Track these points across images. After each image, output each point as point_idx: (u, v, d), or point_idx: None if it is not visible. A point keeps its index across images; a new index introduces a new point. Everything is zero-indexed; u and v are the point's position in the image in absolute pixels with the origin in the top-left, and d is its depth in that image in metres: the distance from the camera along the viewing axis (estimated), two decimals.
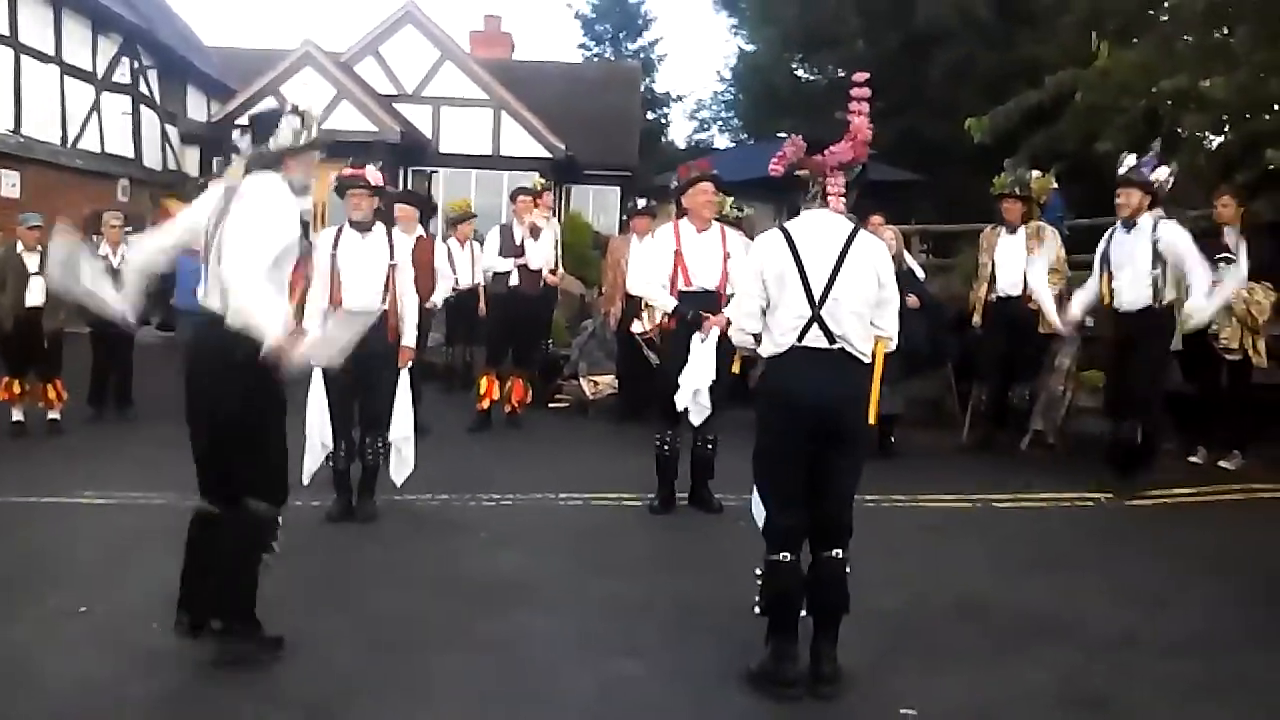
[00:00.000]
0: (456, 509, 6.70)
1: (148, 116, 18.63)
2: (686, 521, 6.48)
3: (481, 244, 9.98)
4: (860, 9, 23.37)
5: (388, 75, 19.90)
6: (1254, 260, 7.85)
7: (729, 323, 6.25)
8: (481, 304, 10.18)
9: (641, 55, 36.07)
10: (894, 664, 4.32)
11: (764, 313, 4.11)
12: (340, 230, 6.39)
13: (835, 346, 4.00)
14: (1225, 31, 10.75)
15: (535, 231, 9.32)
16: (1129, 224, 6.98)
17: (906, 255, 8.89)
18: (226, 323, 3.93)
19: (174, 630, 4.23)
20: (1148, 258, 6.88)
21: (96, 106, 16.97)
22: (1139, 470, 7.15)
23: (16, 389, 8.79)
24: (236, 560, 4.18)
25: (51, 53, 15.80)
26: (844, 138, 4.09)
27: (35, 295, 8.73)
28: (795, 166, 4.13)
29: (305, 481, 6.31)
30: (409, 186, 18.35)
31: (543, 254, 9.45)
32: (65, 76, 16.16)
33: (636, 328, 7.43)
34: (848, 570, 4.06)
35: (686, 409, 6.35)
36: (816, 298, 3.97)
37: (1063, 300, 8.44)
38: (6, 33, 14.69)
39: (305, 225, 4.35)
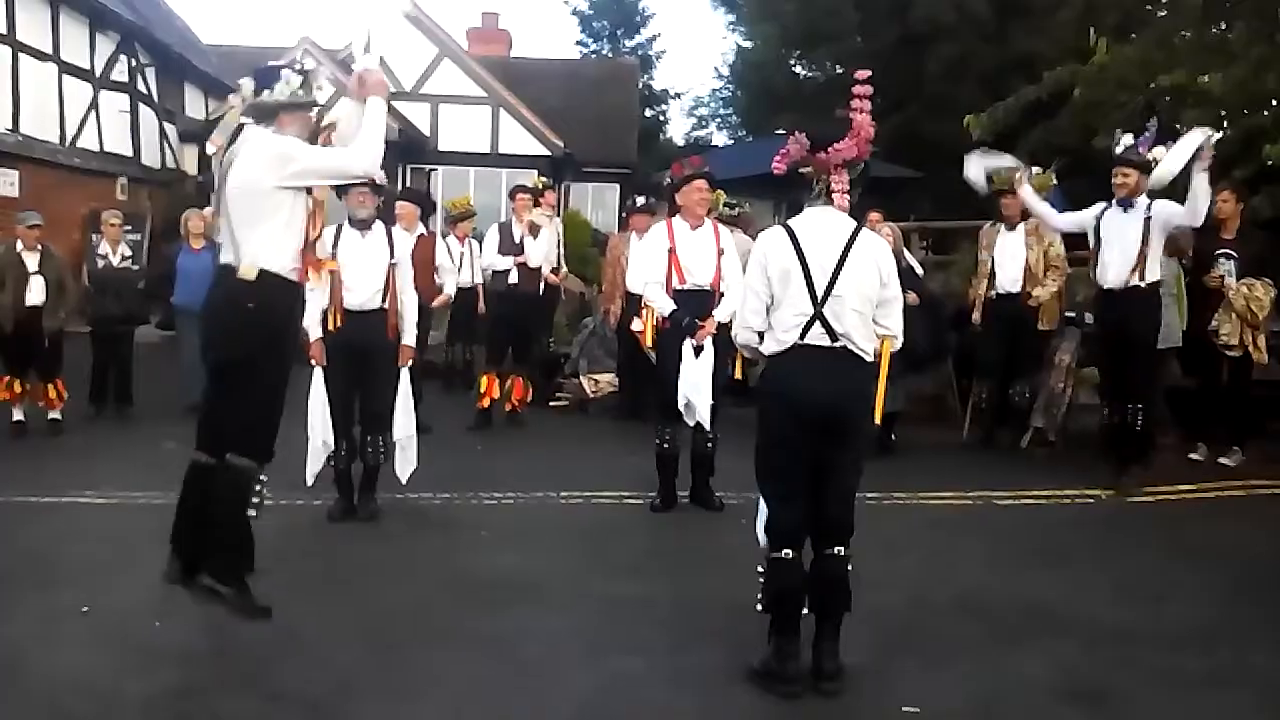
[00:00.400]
0: (457, 507, 6.70)
1: (146, 115, 18.61)
2: (687, 519, 6.48)
3: (480, 242, 9.98)
4: (858, 5, 23.40)
5: (385, 73, 19.86)
6: (1252, 256, 7.90)
7: (719, 325, 6.32)
8: (481, 302, 10.18)
9: (639, 52, 36.04)
10: (896, 661, 4.33)
11: (768, 310, 4.11)
12: (340, 228, 6.38)
13: (837, 344, 4.00)
14: (1223, 27, 10.76)
15: (534, 229, 9.32)
16: (1125, 203, 6.93)
17: (905, 252, 8.89)
18: (239, 275, 4.06)
19: (164, 577, 4.32)
20: (1138, 235, 6.85)
21: (94, 105, 16.95)
22: (1136, 462, 7.14)
23: (17, 388, 8.77)
24: (219, 516, 4.22)
25: (49, 51, 15.78)
26: (846, 135, 4.08)
27: (35, 294, 8.71)
28: (799, 164, 4.12)
29: (310, 482, 6.32)
30: (408, 184, 18.34)
31: (542, 252, 9.45)
32: (63, 75, 16.14)
33: (637, 325, 7.43)
34: (849, 568, 4.07)
35: (685, 406, 6.37)
36: (819, 295, 3.97)
37: (1061, 296, 8.47)
38: (4, 31, 14.67)
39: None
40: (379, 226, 6.40)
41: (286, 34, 54.20)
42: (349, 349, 6.22)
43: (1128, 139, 6.99)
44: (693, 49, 68.06)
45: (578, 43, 37.94)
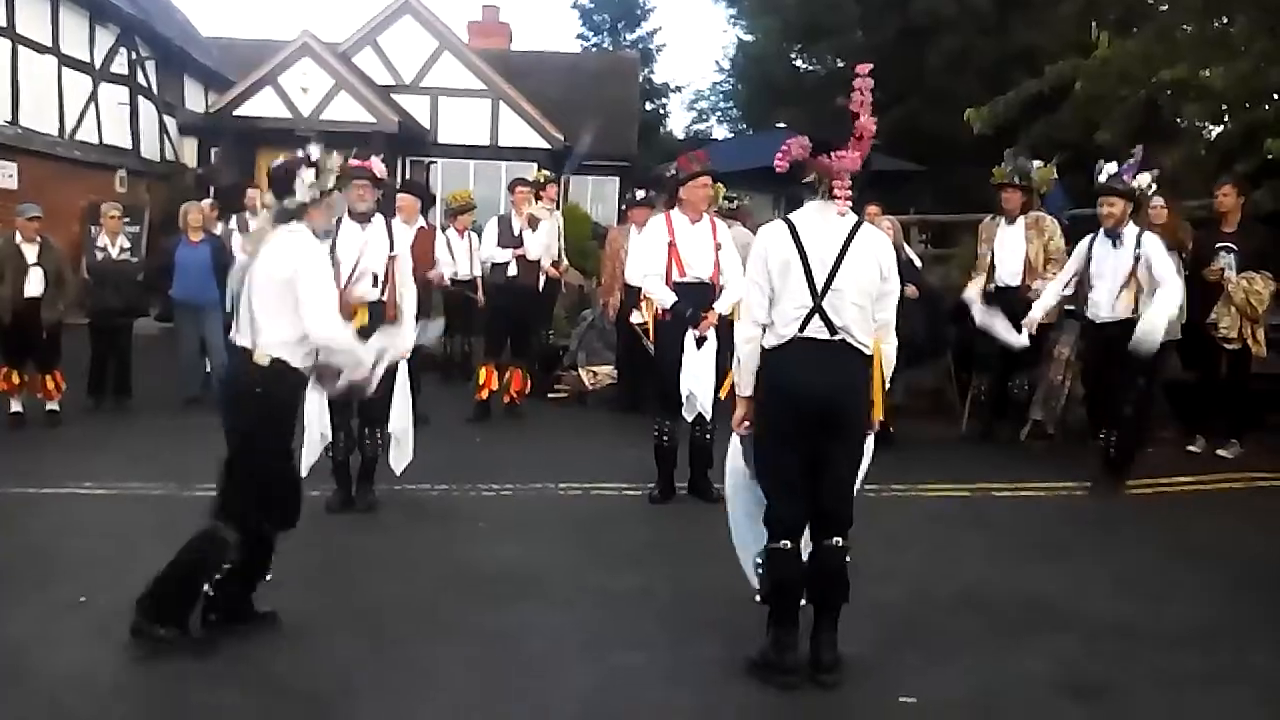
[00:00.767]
0: (456, 499, 6.70)
1: (145, 107, 18.57)
2: (686, 511, 6.48)
3: (480, 235, 9.97)
4: None
5: (386, 66, 19.86)
6: (1252, 250, 7.89)
7: (722, 318, 6.32)
8: (480, 295, 10.18)
9: (640, 45, 35.99)
10: (894, 653, 4.33)
11: (770, 304, 4.09)
12: (339, 221, 6.36)
13: (836, 337, 3.99)
14: (1225, 21, 10.75)
15: (533, 222, 9.32)
16: (1113, 234, 6.77)
17: (905, 245, 8.88)
18: (253, 359, 4.32)
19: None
20: (1129, 271, 6.71)
21: (94, 97, 16.91)
22: (1116, 474, 7.03)
23: (15, 380, 8.77)
24: (180, 566, 4.32)
25: (49, 44, 15.74)
26: (849, 136, 4.03)
27: (34, 286, 8.70)
28: (801, 166, 4.09)
29: (304, 473, 6.31)
30: (408, 177, 18.32)
31: (541, 244, 9.44)
32: (63, 67, 16.10)
33: (636, 318, 7.43)
34: (848, 559, 4.07)
35: (688, 397, 6.37)
36: (819, 288, 3.97)
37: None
38: (4, 24, 14.62)
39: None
40: (378, 219, 6.39)
41: (286, 27, 54.19)
42: None
43: (1111, 167, 6.80)
44: (693, 42, 68.02)
45: (578, 36, 37.90)
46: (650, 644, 4.43)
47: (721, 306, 6.39)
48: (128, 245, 9.83)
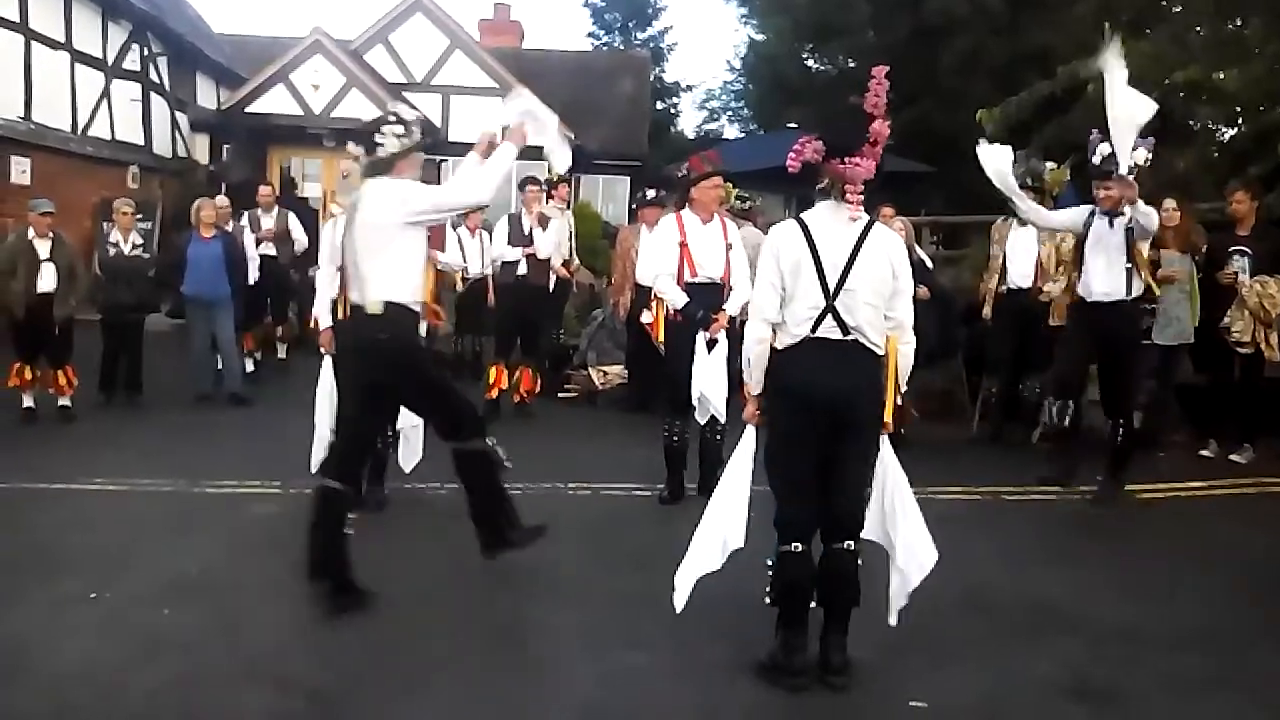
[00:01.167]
0: (464, 498, 6.68)
1: (157, 104, 18.60)
2: (696, 512, 6.38)
3: (490, 233, 9.97)
4: None
5: (397, 64, 19.87)
6: (1266, 253, 7.85)
7: (732, 319, 6.30)
8: (490, 294, 10.18)
9: (651, 44, 35.94)
10: (903, 656, 4.31)
11: (781, 303, 4.08)
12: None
13: (849, 338, 3.98)
14: (1239, 23, 10.71)
15: (543, 221, 9.32)
16: (1111, 214, 6.56)
17: (916, 246, 8.86)
18: (368, 311, 4.57)
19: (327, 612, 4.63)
20: (1123, 248, 6.54)
21: (106, 93, 16.94)
22: (1117, 472, 6.77)
23: (27, 375, 8.80)
24: (498, 487, 4.97)
25: (61, 40, 15.77)
26: (863, 141, 3.99)
27: (46, 281, 8.74)
28: (814, 169, 4.07)
29: (314, 470, 6.32)
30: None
31: (551, 243, 9.44)
32: (75, 64, 16.13)
33: (646, 318, 7.42)
34: (859, 562, 4.06)
35: (699, 399, 6.36)
36: (831, 288, 3.96)
37: (1072, 291, 8.42)
38: (16, 19, 14.66)
39: None
40: None
41: (298, 24, 54.31)
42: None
43: (1105, 148, 6.48)
44: (704, 42, 67.84)
45: (589, 35, 37.88)
46: (657, 644, 4.42)
47: (732, 307, 6.38)
48: (140, 241, 9.86)
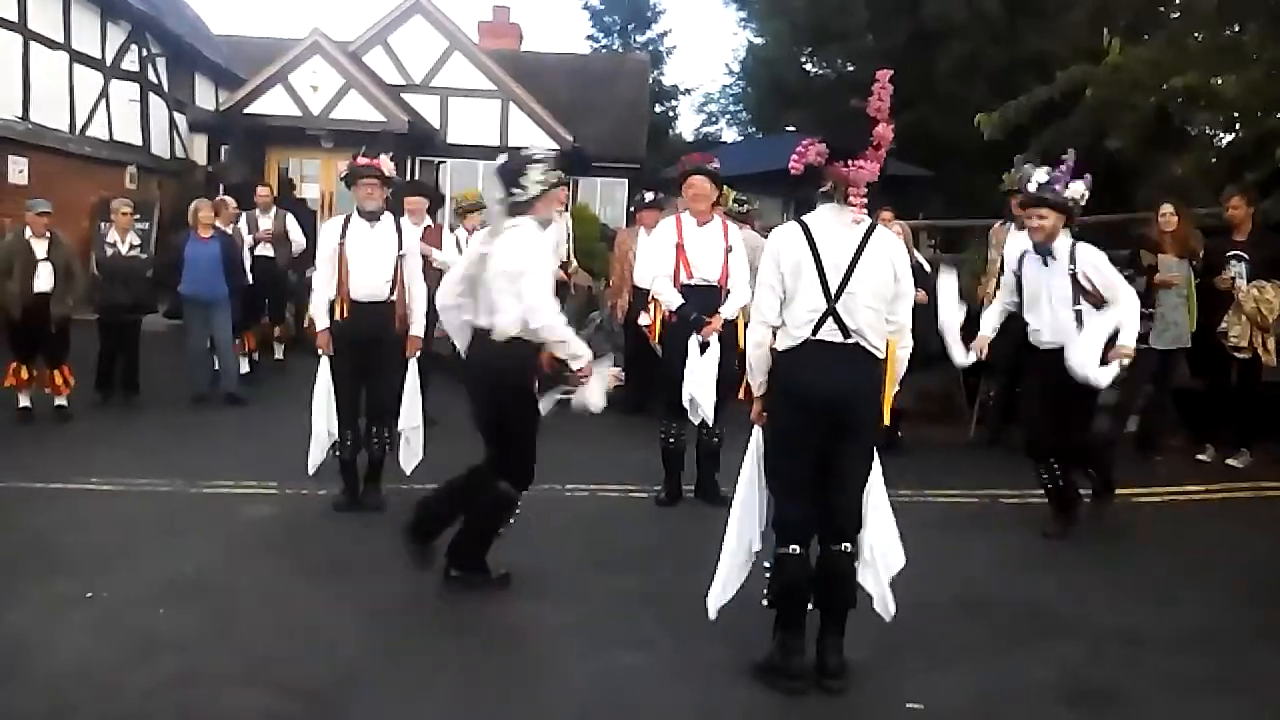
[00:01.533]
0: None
1: (156, 104, 18.60)
2: (693, 514, 6.46)
3: None
4: (868, 3, 23.31)
5: (396, 65, 19.87)
6: (1263, 259, 7.86)
7: (728, 322, 6.30)
8: None
9: (650, 47, 35.99)
10: (900, 658, 4.31)
11: (782, 306, 4.07)
12: (348, 219, 6.37)
13: (850, 341, 3.98)
14: (1237, 29, 10.72)
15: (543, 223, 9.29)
16: (1043, 251, 5.95)
17: (914, 250, 8.86)
18: (493, 337, 4.82)
19: (407, 548, 5.03)
20: (1067, 291, 5.88)
21: (105, 94, 16.94)
22: (1065, 513, 6.18)
23: (24, 374, 8.79)
24: (477, 525, 5.02)
25: (60, 40, 15.77)
26: (867, 145, 3.99)
27: (43, 281, 8.73)
28: (817, 172, 4.06)
29: (311, 472, 6.33)
30: (417, 177, 18.32)
31: (549, 246, 9.41)
32: (74, 64, 16.13)
33: (644, 320, 7.42)
34: (856, 564, 4.06)
35: (689, 402, 6.35)
36: (832, 291, 3.95)
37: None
38: (15, 19, 14.66)
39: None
40: (387, 218, 6.39)
41: (297, 25, 54.27)
42: (356, 340, 6.22)
43: (1041, 174, 5.93)
44: (703, 45, 67.93)
45: (588, 37, 37.95)
46: (654, 645, 4.42)
47: (727, 311, 6.37)
48: (137, 241, 9.84)
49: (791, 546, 4.00)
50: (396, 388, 6.35)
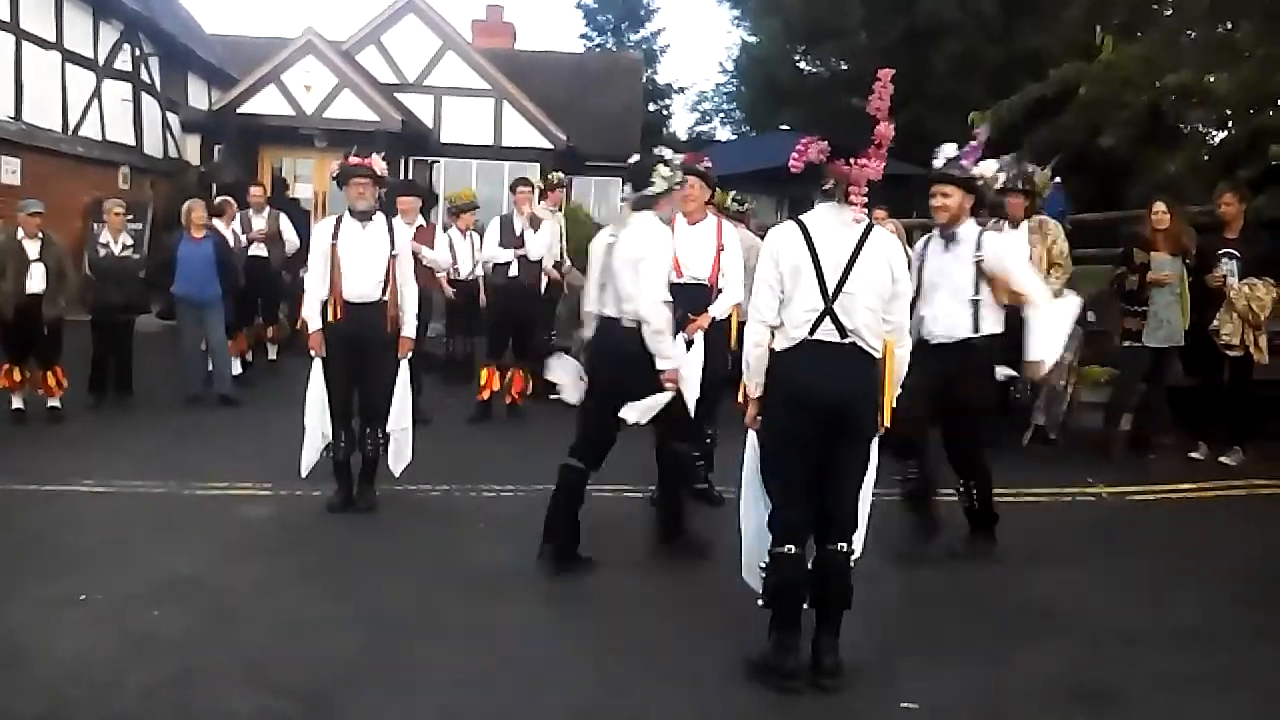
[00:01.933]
0: (457, 499, 6.69)
1: (149, 104, 18.56)
2: (688, 513, 6.45)
3: (481, 235, 9.95)
4: (863, 1, 23.33)
5: (389, 64, 19.85)
6: (1255, 256, 7.87)
7: (719, 322, 6.28)
8: (482, 295, 10.17)
9: (644, 46, 36.01)
10: (895, 657, 4.32)
11: (780, 305, 4.07)
12: (340, 219, 6.36)
13: (847, 341, 3.98)
14: (1230, 26, 10.74)
15: (535, 222, 9.30)
16: (947, 235, 5.51)
17: (908, 249, 8.86)
18: (622, 324, 5.14)
19: (537, 560, 5.25)
20: (968, 280, 5.41)
21: (97, 94, 16.91)
22: (982, 528, 5.76)
23: (16, 376, 8.76)
24: (668, 488, 5.58)
25: (52, 39, 15.74)
26: (869, 143, 3.99)
27: (35, 282, 8.70)
28: (817, 170, 4.06)
29: (304, 473, 6.32)
30: (410, 176, 18.29)
31: (543, 245, 9.42)
32: (66, 63, 16.09)
33: None
34: (852, 564, 4.06)
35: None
36: (830, 291, 3.95)
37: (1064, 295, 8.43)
38: (7, 19, 14.62)
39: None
40: (379, 218, 6.37)
41: (290, 25, 54.22)
42: (348, 340, 6.21)
43: (949, 149, 5.55)
44: (697, 43, 67.96)
45: (582, 36, 37.97)
46: (649, 646, 4.42)
47: (717, 310, 6.35)
48: (130, 242, 9.82)
49: (788, 546, 4.00)
50: (389, 388, 6.34)
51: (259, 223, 11.09)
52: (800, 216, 4.13)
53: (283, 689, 3.97)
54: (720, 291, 6.41)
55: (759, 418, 4.21)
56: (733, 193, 9.14)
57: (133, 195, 15.91)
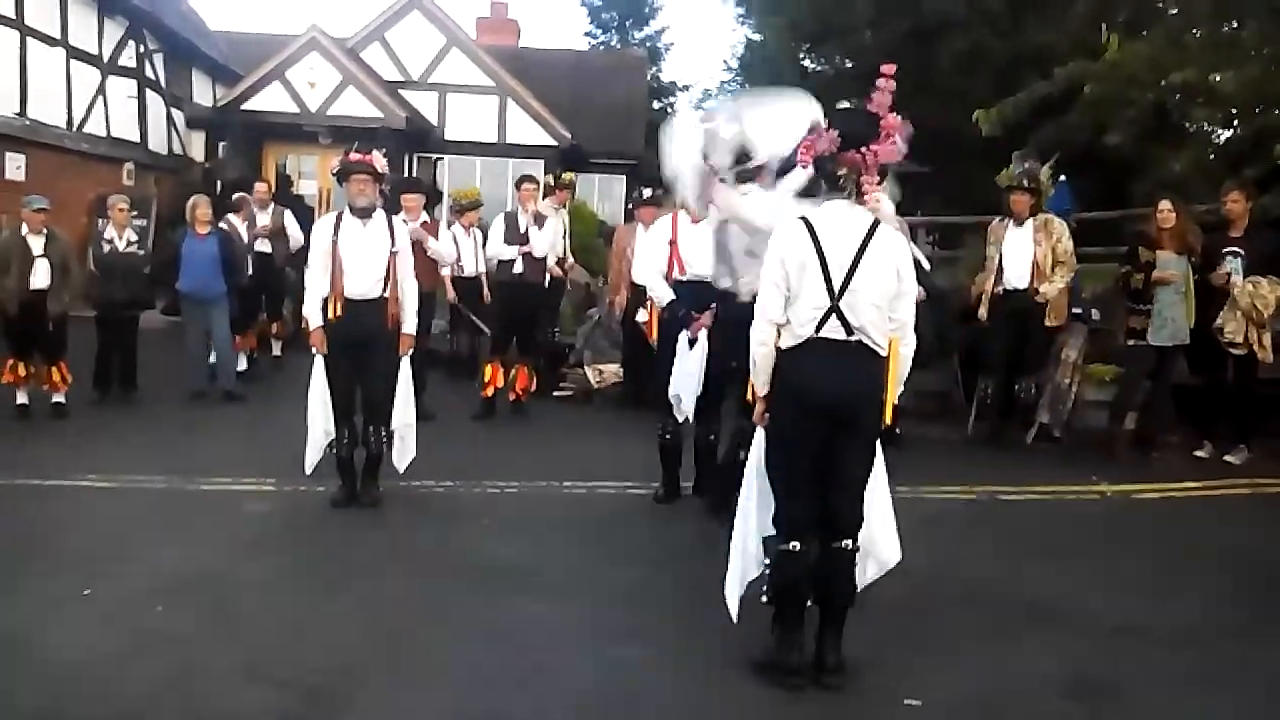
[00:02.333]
0: (460, 496, 6.70)
1: (153, 100, 18.57)
2: (690, 510, 6.46)
3: (485, 232, 9.95)
4: None
5: (394, 61, 19.84)
6: (1260, 255, 7.86)
7: (716, 319, 6.27)
8: (486, 292, 10.18)
9: (648, 44, 35.96)
10: (898, 654, 4.32)
11: (786, 303, 4.06)
12: (340, 216, 6.35)
13: (853, 338, 3.96)
14: (1235, 25, 10.72)
15: (539, 219, 9.30)
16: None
17: (912, 246, 8.85)
18: (740, 299, 5.35)
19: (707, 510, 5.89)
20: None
21: (102, 90, 16.92)
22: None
23: (21, 371, 8.77)
24: (730, 465, 5.59)
25: (57, 36, 15.75)
26: (878, 132, 3.97)
27: (40, 278, 8.71)
28: (829, 161, 4.04)
29: (307, 470, 6.32)
30: (414, 173, 18.30)
31: (547, 242, 9.41)
32: (71, 60, 16.10)
33: (642, 316, 7.42)
34: (855, 561, 4.05)
35: (674, 398, 6.33)
36: (836, 288, 3.94)
37: (1068, 292, 8.43)
38: (13, 15, 14.63)
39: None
40: (380, 215, 6.36)
41: (294, 22, 54.19)
42: (350, 337, 6.21)
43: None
44: (701, 41, 67.96)
45: (586, 34, 37.92)
46: (653, 642, 4.42)
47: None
48: (135, 238, 9.82)
49: (792, 543, 4.00)
50: (391, 385, 6.34)
51: (263, 219, 11.08)
52: (805, 214, 4.11)
53: (286, 684, 3.98)
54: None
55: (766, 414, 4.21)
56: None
57: (137, 191, 15.91)
